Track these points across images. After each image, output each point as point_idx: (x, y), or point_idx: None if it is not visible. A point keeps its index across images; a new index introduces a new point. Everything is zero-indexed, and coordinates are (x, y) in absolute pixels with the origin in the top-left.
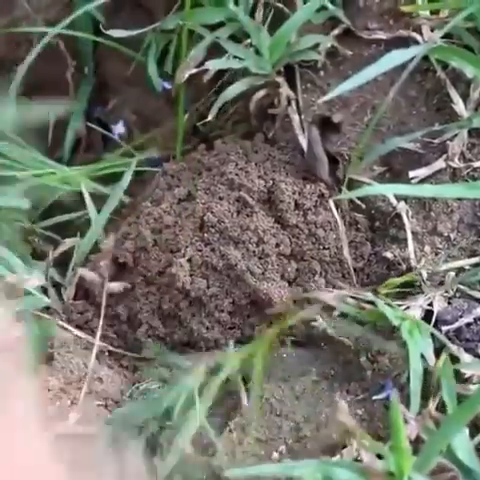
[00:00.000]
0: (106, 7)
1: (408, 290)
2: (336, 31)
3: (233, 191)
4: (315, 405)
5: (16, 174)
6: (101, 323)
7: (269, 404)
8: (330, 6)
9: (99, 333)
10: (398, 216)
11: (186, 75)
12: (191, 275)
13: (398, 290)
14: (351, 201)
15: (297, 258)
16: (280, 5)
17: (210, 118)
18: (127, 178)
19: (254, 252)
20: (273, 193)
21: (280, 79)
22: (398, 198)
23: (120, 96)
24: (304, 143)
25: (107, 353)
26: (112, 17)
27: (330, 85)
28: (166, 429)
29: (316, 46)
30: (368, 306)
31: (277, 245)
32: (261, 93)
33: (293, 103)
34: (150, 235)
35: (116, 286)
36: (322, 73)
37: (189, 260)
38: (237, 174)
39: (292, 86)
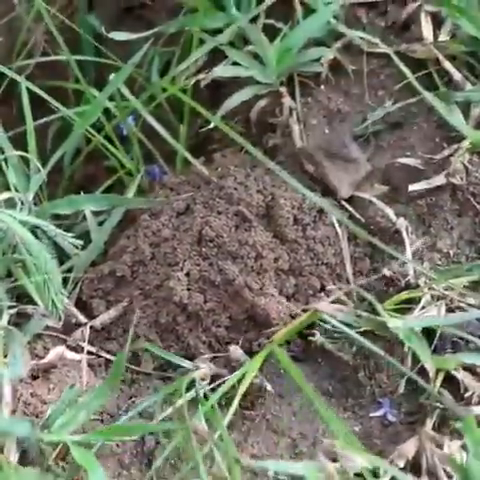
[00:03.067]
0: (107, 20)
1: (408, 306)
2: (338, 44)
3: (232, 205)
4: (312, 421)
5: None
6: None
7: (266, 420)
8: (332, 20)
9: (86, 344)
10: (397, 232)
11: (192, 81)
12: (189, 289)
13: (398, 307)
14: (350, 216)
15: (295, 273)
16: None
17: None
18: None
19: (252, 267)
20: (272, 208)
21: (283, 89)
22: (397, 214)
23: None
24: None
25: (103, 366)
26: (114, 30)
27: (331, 99)
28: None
29: (318, 59)
30: (367, 314)
31: (275, 260)
32: (263, 102)
33: (294, 114)
34: (148, 248)
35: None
36: (323, 87)
37: (187, 274)
38: (236, 188)
39: (293, 98)
